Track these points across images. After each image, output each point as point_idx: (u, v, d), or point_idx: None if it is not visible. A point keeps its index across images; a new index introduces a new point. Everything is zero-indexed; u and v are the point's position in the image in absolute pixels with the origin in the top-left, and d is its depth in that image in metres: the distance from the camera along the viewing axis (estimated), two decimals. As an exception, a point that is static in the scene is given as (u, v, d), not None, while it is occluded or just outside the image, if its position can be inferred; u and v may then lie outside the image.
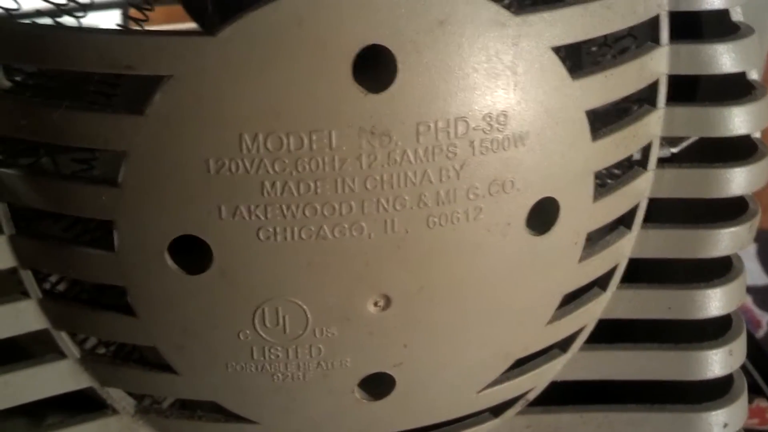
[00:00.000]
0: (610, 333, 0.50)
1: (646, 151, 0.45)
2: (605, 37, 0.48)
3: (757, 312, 0.93)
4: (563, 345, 0.48)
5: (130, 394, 0.45)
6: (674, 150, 0.47)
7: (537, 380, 0.48)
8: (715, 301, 0.48)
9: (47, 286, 0.44)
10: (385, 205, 0.38)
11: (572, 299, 0.47)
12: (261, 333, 0.40)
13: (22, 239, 0.41)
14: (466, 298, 0.42)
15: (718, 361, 0.49)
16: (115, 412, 0.45)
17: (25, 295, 0.42)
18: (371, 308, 0.41)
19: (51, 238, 0.41)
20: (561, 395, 0.50)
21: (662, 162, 0.46)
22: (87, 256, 0.40)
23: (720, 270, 0.49)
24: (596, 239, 0.46)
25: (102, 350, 0.46)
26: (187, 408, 0.45)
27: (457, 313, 0.42)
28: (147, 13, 0.48)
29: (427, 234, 0.39)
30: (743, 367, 0.52)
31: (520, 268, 0.42)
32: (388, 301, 0.40)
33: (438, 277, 0.41)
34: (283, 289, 0.40)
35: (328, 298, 0.40)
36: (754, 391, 0.70)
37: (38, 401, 0.44)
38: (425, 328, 0.42)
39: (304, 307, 0.40)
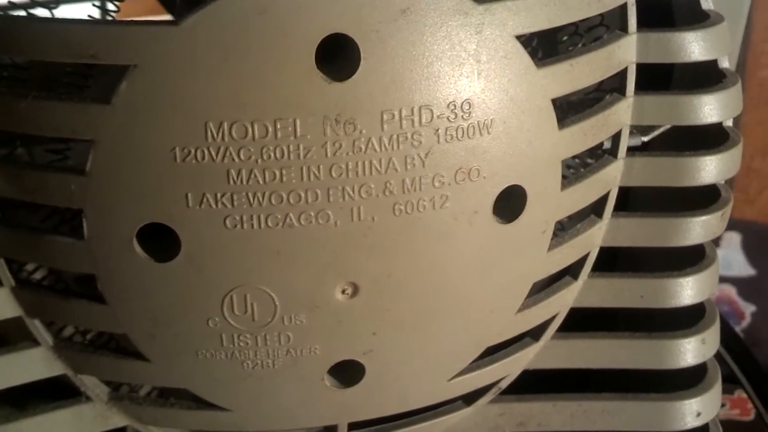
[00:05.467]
0: (590, 322, 0.50)
1: (615, 139, 0.46)
2: (576, 26, 0.48)
3: (742, 303, 0.93)
4: (535, 333, 0.49)
5: (104, 381, 0.45)
6: (645, 139, 0.48)
7: (509, 368, 0.49)
8: (687, 290, 0.49)
9: (24, 275, 0.45)
10: (351, 193, 0.39)
11: (544, 288, 0.47)
12: (230, 320, 0.41)
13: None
14: (434, 286, 0.42)
15: (691, 350, 0.50)
16: (88, 399, 0.45)
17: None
18: (339, 296, 0.41)
19: (22, 226, 0.41)
20: (536, 383, 0.50)
21: (633, 150, 0.46)
22: (57, 245, 0.40)
23: (693, 259, 0.49)
24: (568, 227, 0.47)
25: (79, 339, 0.46)
26: (163, 396, 0.46)
27: (426, 300, 0.42)
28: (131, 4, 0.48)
29: (394, 222, 0.40)
30: (722, 358, 0.53)
31: (488, 256, 0.42)
32: (356, 289, 0.41)
33: (405, 265, 0.41)
34: (251, 276, 0.40)
35: (296, 285, 0.40)
36: (735, 383, 0.70)
37: (16, 390, 0.44)
38: (394, 315, 0.42)
39: (273, 294, 0.40)
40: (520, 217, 0.42)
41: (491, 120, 0.39)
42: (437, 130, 0.39)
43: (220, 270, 0.40)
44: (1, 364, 0.43)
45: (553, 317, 0.48)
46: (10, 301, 0.43)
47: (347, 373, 0.44)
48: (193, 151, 0.37)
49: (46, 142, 0.44)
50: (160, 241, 0.39)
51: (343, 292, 0.41)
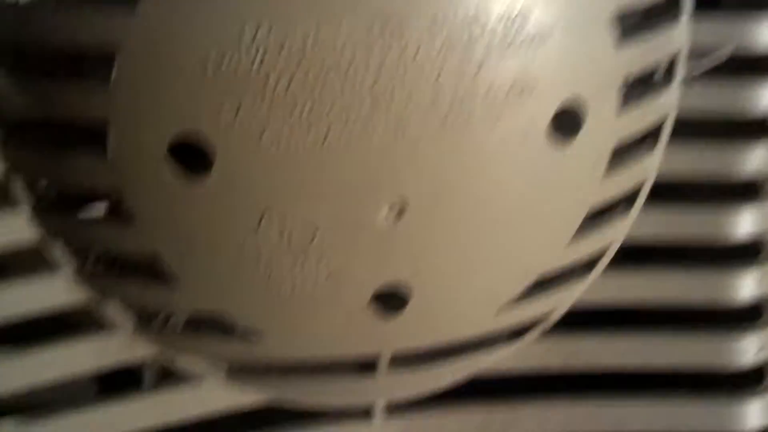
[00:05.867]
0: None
1: (671, 65, 0.44)
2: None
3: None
4: (586, 266, 0.46)
5: (129, 309, 0.42)
6: (701, 67, 0.45)
7: (558, 302, 0.47)
8: (743, 223, 0.47)
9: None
10: (398, 105, 0.36)
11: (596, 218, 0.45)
12: (266, 242, 0.38)
13: (13, 145, 0.39)
14: (482, 208, 0.40)
15: (747, 284, 0.48)
16: (112, 330, 0.42)
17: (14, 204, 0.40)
18: (383, 217, 0.39)
19: (45, 144, 0.39)
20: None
21: (688, 78, 0.44)
22: (80, 161, 0.38)
23: (747, 193, 0.48)
24: (623, 156, 0.44)
25: (103, 262, 0.44)
26: (190, 325, 0.43)
27: (473, 223, 0.40)
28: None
29: (442, 137, 0.37)
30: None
31: (539, 179, 0.40)
32: (401, 209, 0.39)
33: (453, 184, 0.39)
34: (289, 196, 0.38)
35: (337, 206, 0.38)
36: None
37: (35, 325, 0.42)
38: (440, 238, 0.40)
39: (313, 215, 0.38)
40: (575, 140, 0.40)
41: (547, 34, 0.37)
42: (490, 42, 0.36)
43: (257, 188, 0.37)
44: (20, 291, 0.41)
45: (606, 249, 0.46)
46: (29, 222, 0.40)
47: (391, 301, 0.41)
48: (227, 57, 0.35)
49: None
50: (192, 164, 0.37)
51: (388, 212, 0.39)
